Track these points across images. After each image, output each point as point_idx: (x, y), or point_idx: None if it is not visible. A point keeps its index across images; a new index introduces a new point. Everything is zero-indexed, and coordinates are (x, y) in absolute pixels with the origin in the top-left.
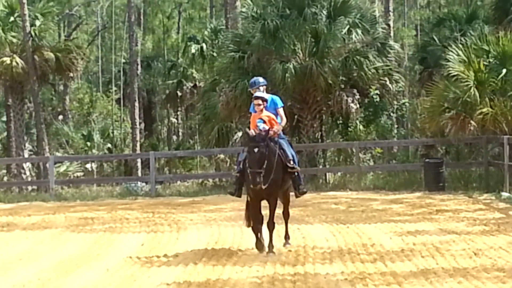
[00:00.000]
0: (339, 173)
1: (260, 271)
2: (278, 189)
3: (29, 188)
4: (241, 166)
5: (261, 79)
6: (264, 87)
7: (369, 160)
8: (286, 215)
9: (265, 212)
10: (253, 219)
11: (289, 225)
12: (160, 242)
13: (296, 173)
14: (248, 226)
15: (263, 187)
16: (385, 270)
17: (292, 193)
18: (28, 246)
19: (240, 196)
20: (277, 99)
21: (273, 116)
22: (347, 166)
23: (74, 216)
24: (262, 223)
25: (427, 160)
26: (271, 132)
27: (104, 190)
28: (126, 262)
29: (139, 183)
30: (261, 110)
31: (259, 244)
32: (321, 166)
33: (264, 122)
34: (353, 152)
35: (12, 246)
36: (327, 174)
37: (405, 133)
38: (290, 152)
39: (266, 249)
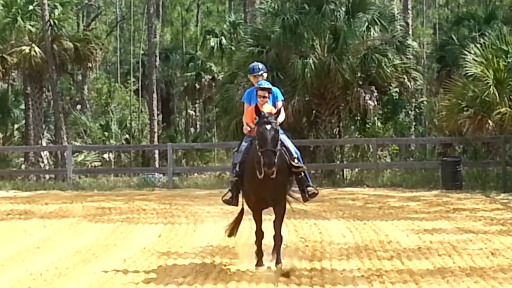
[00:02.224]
0: (356, 169)
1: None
2: (286, 195)
3: (47, 176)
4: (237, 169)
5: (261, 65)
6: (265, 75)
7: (386, 157)
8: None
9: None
10: (257, 233)
11: (303, 222)
12: (177, 234)
13: (302, 173)
14: (230, 235)
15: (273, 175)
16: (402, 267)
17: (298, 195)
18: (45, 235)
19: (237, 205)
20: (277, 91)
21: (274, 110)
22: (364, 163)
23: (91, 205)
24: (263, 238)
25: (444, 158)
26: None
27: (121, 180)
28: (143, 253)
29: (156, 174)
30: (264, 103)
31: (259, 262)
32: (338, 162)
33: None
34: (370, 148)
35: (30, 234)
36: (345, 170)
37: (423, 131)
38: (294, 149)
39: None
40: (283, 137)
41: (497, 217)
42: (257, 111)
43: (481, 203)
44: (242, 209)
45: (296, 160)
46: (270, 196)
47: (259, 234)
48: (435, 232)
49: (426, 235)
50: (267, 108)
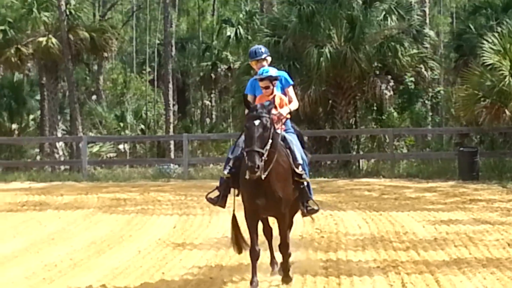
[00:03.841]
0: (372, 160)
1: (293, 256)
2: (288, 203)
3: (62, 167)
4: (230, 164)
5: (263, 48)
6: (269, 59)
7: (402, 147)
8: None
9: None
10: (251, 253)
11: (319, 213)
12: (192, 225)
13: (305, 183)
14: (239, 252)
15: (263, 175)
16: (418, 258)
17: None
18: (60, 226)
19: (223, 206)
20: (284, 75)
21: (285, 98)
22: (381, 153)
23: (106, 196)
24: (258, 258)
25: (461, 148)
26: (275, 113)
27: (136, 171)
28: (158, 244)
29: (171, 165)
30: (270, 94)
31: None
32: (354, 153)
33: (274, 107)
34: (386, 139)
35: (45, 225)
36: (361, 160)
37: (440, 121)
38: (300, 153)
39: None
40: (290, 137)
41: None
42: (246, 102)
43: (498, 193)
44: (234, 216)
45: (300, 168)
46: (265, 203)
47: (253, 254)
48: (451, 223)
49: (442, 226)
50: (277, 97)
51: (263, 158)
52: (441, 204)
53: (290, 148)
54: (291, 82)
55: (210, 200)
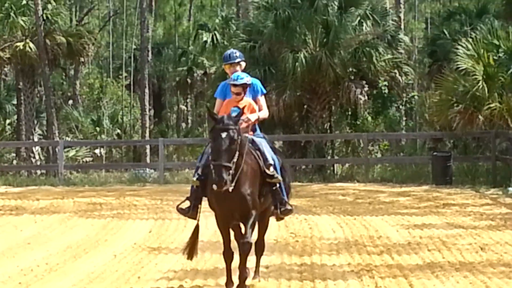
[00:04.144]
0: (347, 165)
1: (267, 260)
2: (256, 206)
3: (38, 172)
4: (199, 172)
5: (238, 52)
6: (243, 64)
7: (377, 152)
8: (260, 247)
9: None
10: (224, 255)
11: (293, 217)
12: (167, 229)
13: (277, 185)
14: (189, 258)
15: (230, 188)
16: (392, 262)
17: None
18: (36, 230)
19: (195, 217)
20: (257, 83)
21: (255, 105)
22: (355, 158)
23: (82, 201)
24: (232, 260)
25: (435, 153)
26: (243, 119)
27: (112, 176)
28: (134, 248)
29: (147, 169)
30: (239, 100)
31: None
32: (329, 157)
33: (242, 112)
34: (361, 143)
35: (20, 230)
36: (335, 165)
37: (413, 126)
38: (270, 154)
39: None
40: (259, 140)
41: (487, 212)
42: (211, 114)
43: (471, 198)
44: (197, 226)
45: (271, 168)
46: (236, 210)
47: (227, 255)
48: (425, 227)
49: (416, 230)
50: (245, 102)
51: (230, 172)
52: (415, 209)
53: (259, 150)
54: (264, 91)
55: (181, 211)
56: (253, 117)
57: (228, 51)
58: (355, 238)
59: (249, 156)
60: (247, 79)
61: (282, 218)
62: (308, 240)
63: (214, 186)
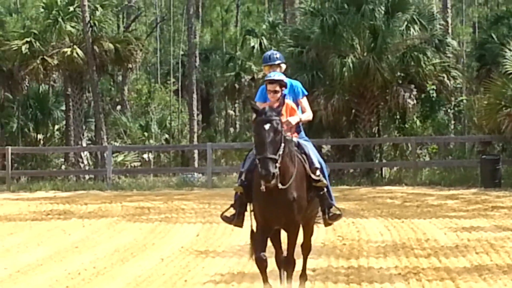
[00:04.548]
0: (395, 168)
1: (314, 263)
2: (301, 212)
3: (87, 177)
4: (243, 178)
5: (278, 54)
6: (283, 66)
7: (425, 156)
8: (306, 249)
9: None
10: (256, 262)
11: (341, 221)
12: (215, 233)
13: (325, 189)
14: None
15: (280, 185)
16: (439, 265)
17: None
18: (84, 235)
19: (241, 225)
20: (298, 85)
21: (294, 106)
22: (403, 161)
23: (130, 205)
24: (267, 266)
25: (483, 156)
26: (283, 120)
27: (160, 180)
28: (181, 252)
29: (195, 174)
30: (278, 99)
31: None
32: (377, 161)
33: (281, 115)
34: (409, 147)
35: (69, 234)
36: (383, 168)
37: (462, 129)
38: (316, 158)
39: None
40: (304, 142)
41: None
42: (252, 105)
43: None
44: (252, 231)
45: (318, 172)
46: (279, 215)
47: (261, 263)
48: (473, 230)
49: (464, 233)
50: (286, 104)
51: (277, 164)
52: (463, 211)
53: (305, 153)
54: (305, 93)
55: (226, 219)
56: (293, 120)
57: (269, 52)
58: (403, 241)
59: (295, 159)
60: (281, 76)
61: (330, 224)
62: (356, 243)
63: (262, 183)
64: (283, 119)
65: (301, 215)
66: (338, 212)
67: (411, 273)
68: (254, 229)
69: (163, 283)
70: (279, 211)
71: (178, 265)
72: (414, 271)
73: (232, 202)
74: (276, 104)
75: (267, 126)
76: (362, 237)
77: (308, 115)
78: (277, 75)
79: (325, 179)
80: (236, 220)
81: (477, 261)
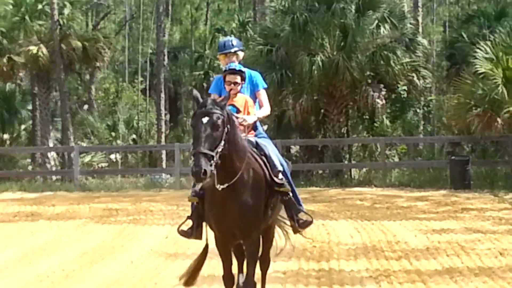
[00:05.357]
0: (364, 169)
1: (284, 266)
2: (260, 222)
3: (54, 178)
4: (197, 188)
5: (235, 41)
6: (241, 54)
7: (394, 156)
8: (265, 263)
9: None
10: (224, 279)
11: (311, 225)
12: None
13: (290, 194)
14: (186, 284)
15: (219, 186)
16: (410, 268)
17: (288, 225)
18: (52, 237)
19: (201, 238)
20: (257, 76)
21: (252, 102)
22: (373, 162)
23: (98, 207)
24: (233, 284)
25: (453, 157)
26: (238, 120)
27: (128, 181)
28: (150, 254)
29: (163, 175)
30: (236, 93)
31: None
32: (346, 162)
33: (238, 111)
34: (378, 148)
35: (37, 236)
36: (352, 170)
37: (431, 130)
38: (278, 158)
39: None
40: (264, 141)
41: (506, 216)
42: (195, 98)
43: (490, 202)
44: (207, 246)
45: (280, 176)
46: (235, 223)
47: (228, 280)
48: (443, 232)
49: (434, 235)
50: (241, 99)
51: (212, 162)
52: (433, 213)
53: (266, 155)
54: (265, 85)
55: (184, 234)
56: (251, 119)
57: (224, 39)
58: (373, 243)
59: (252, 163)
60: (240, 67)
61: (300, 232)
62: (326, 245)
63: (192, 175)
64: (240, 117)
65: (259, 226)
66: (309, 219)
67: (382, 276)
68: (208, 243)
69: (133, 285)
70: (231, 221)
71: (147, 268)
72: (385, 274)
73: (189, 214)
74: (220, 99)
75: (205, 120)
76: (332, 239)
77: (266, 110)
78: (237, 66)
79: (289, 182)
80: (196, 233)
81: (448, 264)
